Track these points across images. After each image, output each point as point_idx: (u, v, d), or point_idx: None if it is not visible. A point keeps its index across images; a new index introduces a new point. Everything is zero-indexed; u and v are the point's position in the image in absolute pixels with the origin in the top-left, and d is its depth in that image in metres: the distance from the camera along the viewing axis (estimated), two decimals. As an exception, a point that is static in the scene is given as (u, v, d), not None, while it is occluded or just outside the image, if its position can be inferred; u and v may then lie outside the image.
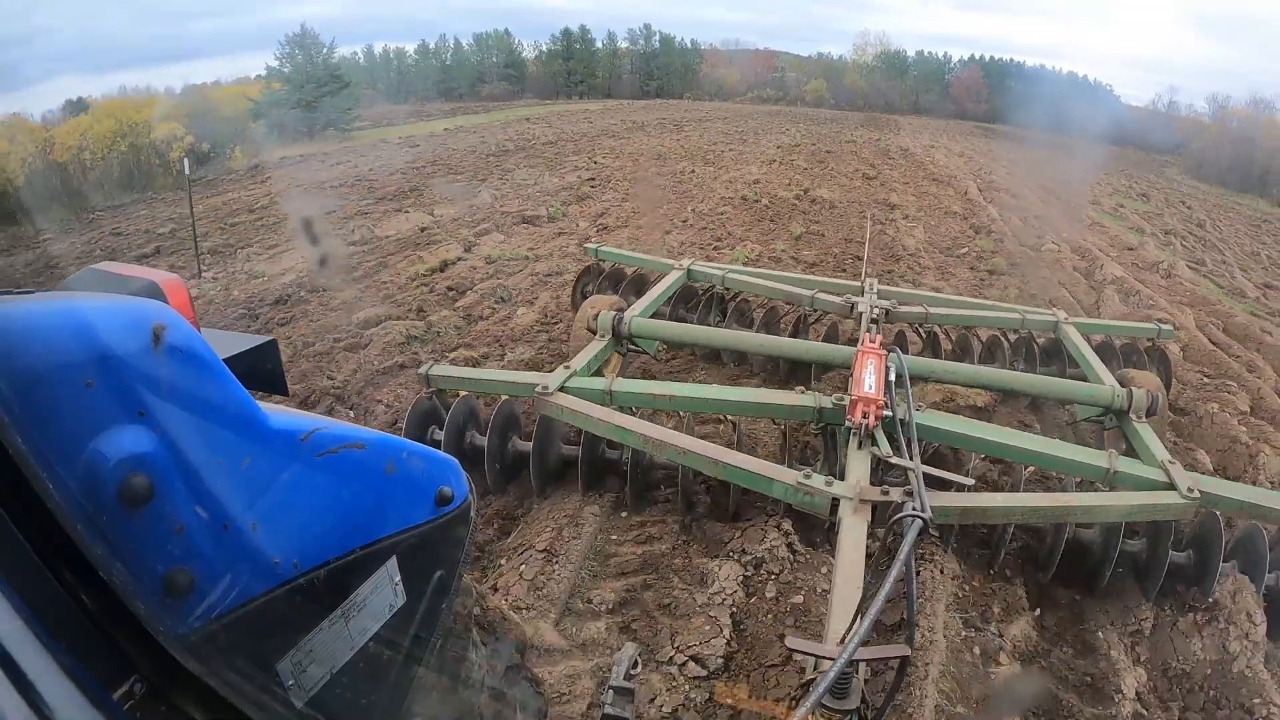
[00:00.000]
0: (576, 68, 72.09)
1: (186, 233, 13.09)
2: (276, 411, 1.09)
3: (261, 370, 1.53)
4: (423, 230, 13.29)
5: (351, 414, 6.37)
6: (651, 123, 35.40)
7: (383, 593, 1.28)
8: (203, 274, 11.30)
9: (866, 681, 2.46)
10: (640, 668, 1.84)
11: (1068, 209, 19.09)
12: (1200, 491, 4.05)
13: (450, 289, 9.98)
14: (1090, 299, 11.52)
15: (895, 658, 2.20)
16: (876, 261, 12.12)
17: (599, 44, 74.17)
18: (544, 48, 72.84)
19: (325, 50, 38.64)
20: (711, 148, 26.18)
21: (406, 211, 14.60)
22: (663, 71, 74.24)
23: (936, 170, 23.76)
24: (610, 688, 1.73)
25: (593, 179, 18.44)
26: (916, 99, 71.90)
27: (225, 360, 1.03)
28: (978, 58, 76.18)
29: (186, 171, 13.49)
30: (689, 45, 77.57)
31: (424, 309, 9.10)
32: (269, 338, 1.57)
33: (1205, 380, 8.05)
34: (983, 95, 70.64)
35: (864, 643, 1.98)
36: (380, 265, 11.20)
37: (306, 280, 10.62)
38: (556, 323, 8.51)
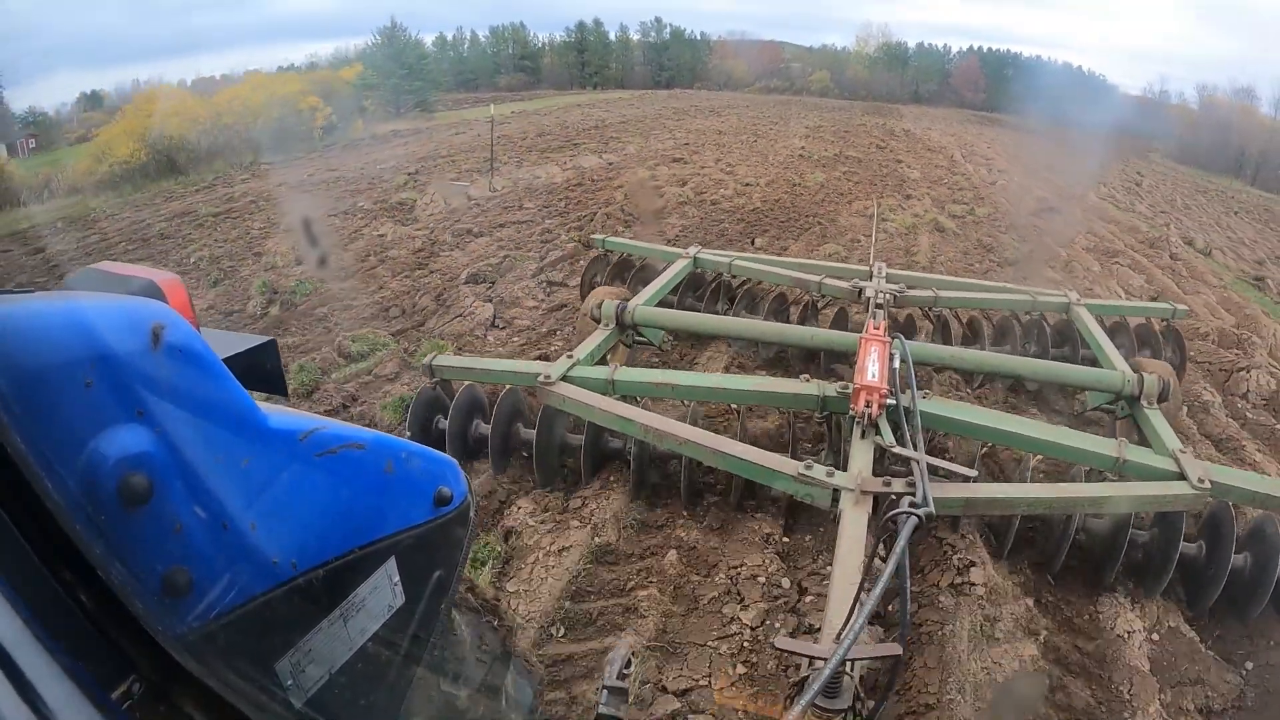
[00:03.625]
0: (591, 59, 72.49)
1: (400, 170, 18.86)
2: (276, 411, 1.09)
3: (261, 370, 1.52)
4: (610, 165, 19.51)
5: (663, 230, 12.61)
6: (688, 109, 40.40)
7: (381, 593, 1.28)
8: (492, 178, 16.50)
9: (862, 679, 2.45)
10: (633, 667, 1.84)
11: (1026, 170, 25.09)
12: (1211, 481, 4.00)
13: (681, 184, 16.65)
14: (1018, 203, 17.73)
15: (888, 657, 2.18)
16: (893, 183, 19.04)
17: (612, 36, 74.70)
18: (557, 39, 73.67)
19: (412, 39, 45.58)
20: (754, 127, 31.98)
21: (586, 155, 20.98)
22: (674, 63, 74.57)
23: (931, 144, 30.25)
24: (604, 687, 1.72)
25: (686, 144, 24.75)
26: (917, 89, 72.47)
27: (225, 360, 1.03)
28: (976, 49, 76.67)
29: (492, 112, 18.35)
30: (699, 37, 78.10)
31: (679, 188, 16.08)
32: (268, 338, 1.57)
33: (1080, 232, 15.11)
34: (981, 85, 71.32)
35: (858, 640, 1.97)
36: (609, 178, 17.24)
37: (575, 180, 16.98)
38: (740, 196, 15.68)
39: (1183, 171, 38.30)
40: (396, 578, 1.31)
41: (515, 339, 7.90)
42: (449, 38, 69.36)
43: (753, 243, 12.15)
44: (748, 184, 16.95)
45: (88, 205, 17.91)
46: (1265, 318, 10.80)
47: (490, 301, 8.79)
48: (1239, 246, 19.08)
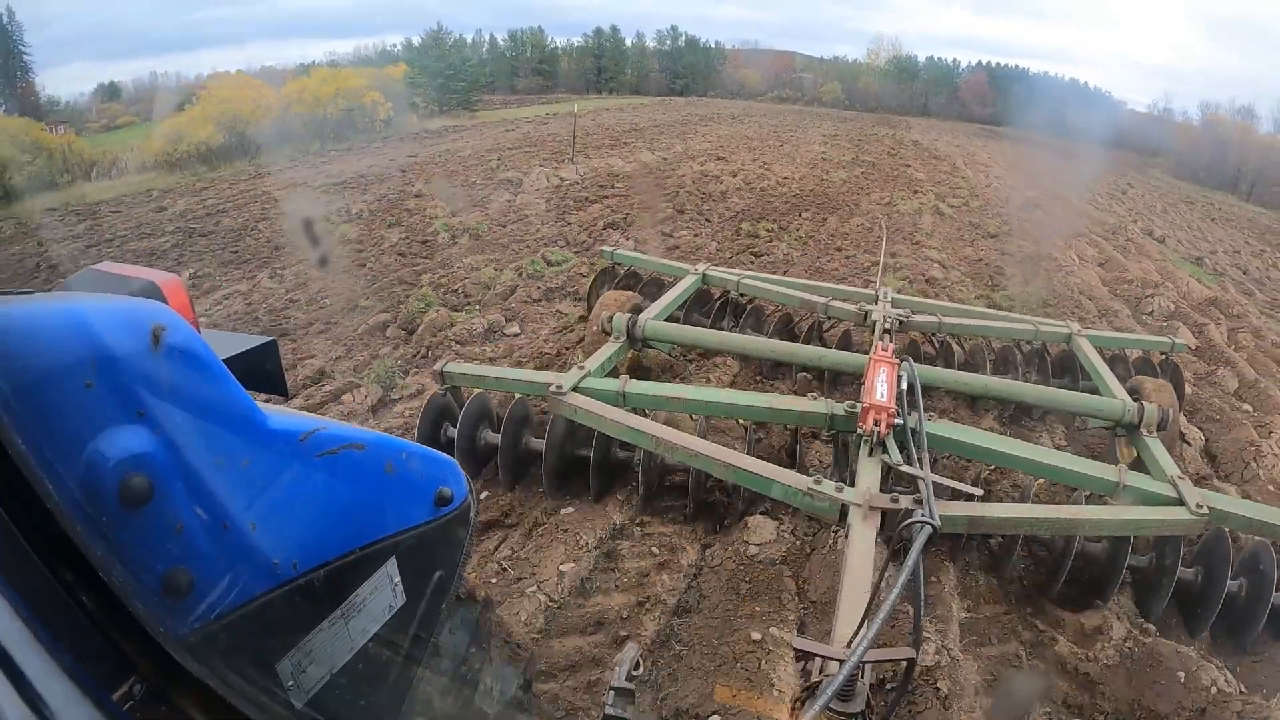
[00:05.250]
0: (608, 65, 73.52)
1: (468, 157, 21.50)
2: (276, 412, 1.09)
3: (261, 371, 1.52)
4: (665, 160, 22.11)
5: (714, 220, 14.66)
6: (710, 116, 42.79)
7: (382, 593, 1.28)
8: (575, 162, 19.44)
9: (872, 686, 2.45)
10: (642, 668, 1.83)
11: (1021, 176, 27.66)
12: (1209, 507, 4.02)
13: (730, 176, 19.47)
14: (1007, 200, 20.68)
15: (902, 660, 2.19)
16: (902, 182, 21.75)
17: (629, 42, 76.05)
18: (573, 44, 74.97)
19: (455, 42, 50.57)
20: (776, 134, 34.75)
21: (640, 151, 23.60)
22: (688, 71, 75.48)
23: (937, 153, 33.02)
24: (611, 688, 1.71)
25: (721, 146, 27.32)
26: (926, 102, 73.33)
27: (225, 361, 1.03)
28: (985, 63, 78.32)
29: (577, 109, 22.60)
30: (713, 46, 79.37)
31: (732, 178, 19.11)
32: (269, 338, 1.57)
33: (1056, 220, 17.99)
34: (989, 99, 72.05)
35: (871, 645, 1.98)
36: (670, 171, 19.95)
37: (645, 169, 20.00)
38: (781, 186, 18.78)
39: (1179, 186, 40.62)
40: (397, 578, 1.31)
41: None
42: (469, 40, 70.57)
43: (800, 215, 15.53)
44: (785, 178, 20.37)
45: (167, 181, 19.75)
46: (1186, 277, 14.12)
47: (630, 240, 12.36)
48: (1199, 241, 21.80)
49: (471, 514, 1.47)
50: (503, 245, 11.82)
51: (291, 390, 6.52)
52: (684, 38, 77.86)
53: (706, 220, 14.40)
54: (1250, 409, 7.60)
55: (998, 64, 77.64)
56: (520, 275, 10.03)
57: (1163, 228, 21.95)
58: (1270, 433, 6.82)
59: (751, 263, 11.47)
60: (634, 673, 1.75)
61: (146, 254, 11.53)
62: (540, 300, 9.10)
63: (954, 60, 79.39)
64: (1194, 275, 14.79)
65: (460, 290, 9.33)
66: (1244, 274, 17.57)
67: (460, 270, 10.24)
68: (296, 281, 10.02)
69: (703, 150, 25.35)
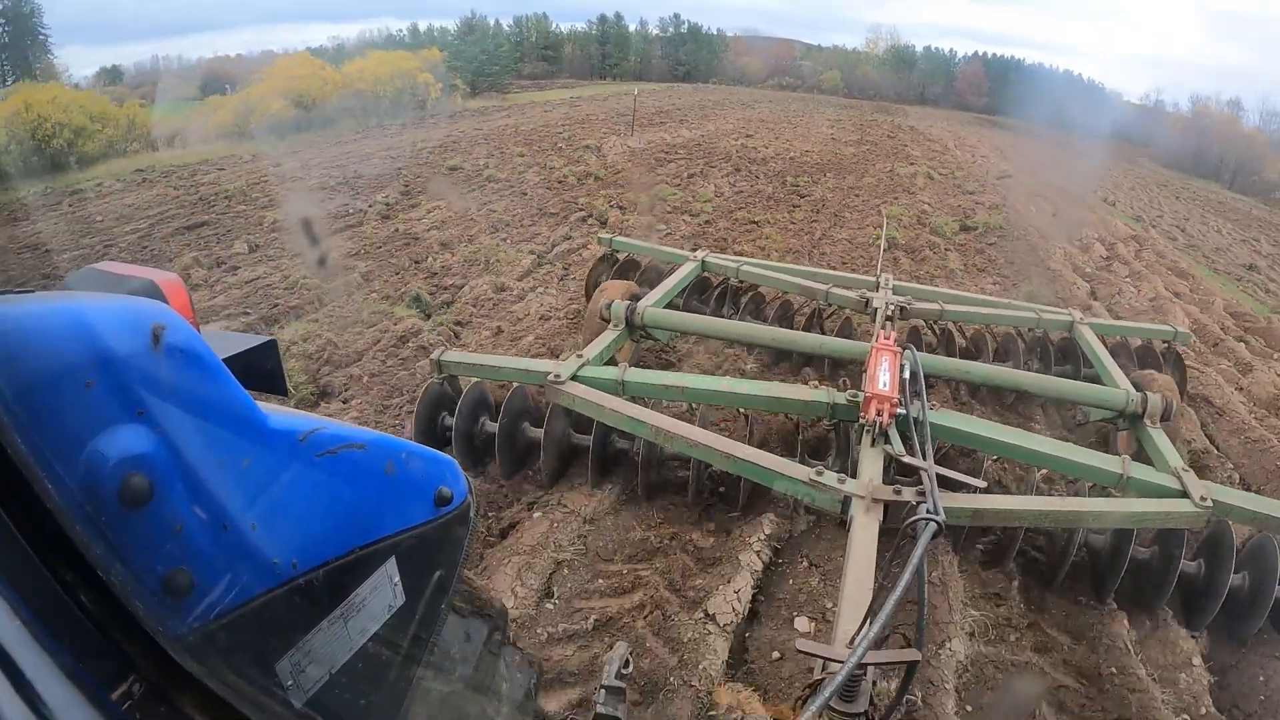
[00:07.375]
0: (612, 51, 73.58)
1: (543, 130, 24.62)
2: (276, 412, 1.09)
3: (261, 370, 1.52)
4: (702, 136, 25.35)
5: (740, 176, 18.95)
6: (720, 102, 45.53)
7: (382, 593, 1.28)
8: (638, 137, 22.79)
9: (875, 684, 2.44)
10: (631, 667, 1.83)
11: (1003, 157, 31.10)
12: (1213, 500, 4.00)
13: (763, 148, 23.37)
14: (987, 172, 24.38)
15: (905, 662, 2.17)
16: (901, 157, 25.04)
17: (632, 29, 76.50)
18: (577, 30, 75.31)
19: (492, 29, 54.58)
20: (786, 119, 37.43)
21: (679, 129, 26.98)
22: (690, 58, 75.55)
23: (931, 137, 35.96)
24: (602, 687, 1.72)
25: (744, 127, 30.41)
26: (923, 91, 74.07)
27: (225, 360, 1.03)
28: (981, 54, 78.99)
29: (635, 93, 27.28)
30: (715, 33, 79.53)
31: (765, 149, 23.13)
32: (269, 338, 1.56)
33: (1024, 186, 21.48)
34: (984, 89, 72.71)
35: (874, 646, 1.96)
36: (713, 144, 23.60)
37: (692, 142, 23.51)
38: (803, 157, 22.57)
39: (1162, 173, 43.01)
40: (397, 578, 1.31)
41: (734, 198, 15.46)
42: (474, 24, 70.52)
43: (825, 175, 19.59)
44: (806, 150, 24.44)
45: (243, 149, 21.44)
46: (1120, 223, 18.55)
47: (713, 185, 16.44)
48: (1152, 210, 25.05)
49: (471, 514, 1.47)
50: (620, 185, 15.69)
51: (551, 245, 10.74)
52: (686, 25, 78.18)
53: (757, 177, 18.63)
54: (1132, 283, 11.97)
55: (993, 55, 78.53)
56: (652, 199, 14.19)
57: (1120, 198, 25.55)
58: (1138, 290, 11.64)
59: (798, 202, 15.47)
60: (624, 671, 1.76)
61: (318, 189, 14.67)
62: (674, 213, 13.13)
63: (951, 50, 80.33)
64: (1126, 224, 19.11)
65: (617, 204, 13.68)
66: (1181, 231, 21.69)
67: (603, 198, 13.99)
68: (480, 201, 13.65)
69: (730, 129, 28.93)
